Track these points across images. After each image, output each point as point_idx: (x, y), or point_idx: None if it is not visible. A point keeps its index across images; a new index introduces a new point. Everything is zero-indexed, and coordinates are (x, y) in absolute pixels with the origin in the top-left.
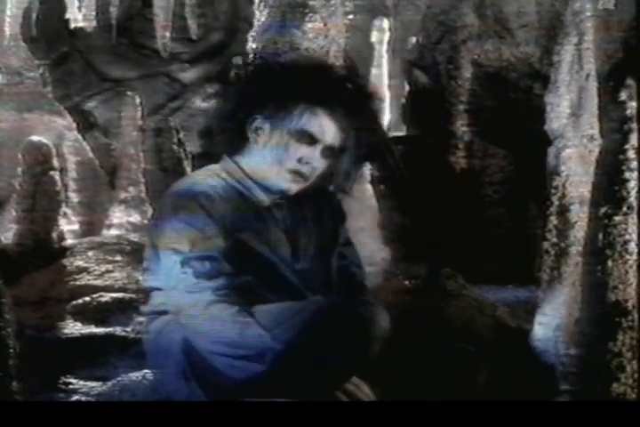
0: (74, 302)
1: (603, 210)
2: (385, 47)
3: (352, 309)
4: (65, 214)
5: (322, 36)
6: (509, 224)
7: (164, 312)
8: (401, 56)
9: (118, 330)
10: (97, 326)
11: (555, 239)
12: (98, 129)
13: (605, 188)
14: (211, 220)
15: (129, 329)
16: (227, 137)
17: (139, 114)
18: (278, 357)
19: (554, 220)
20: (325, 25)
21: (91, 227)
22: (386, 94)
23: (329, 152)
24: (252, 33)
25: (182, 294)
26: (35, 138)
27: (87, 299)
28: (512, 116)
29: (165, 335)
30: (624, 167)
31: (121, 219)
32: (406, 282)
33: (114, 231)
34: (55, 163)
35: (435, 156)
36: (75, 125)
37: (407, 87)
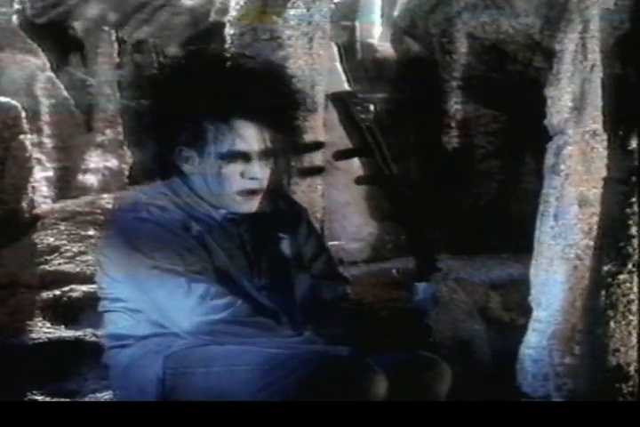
0: (44, 296)
1: (606, 268)
2: None
3: (348, 374)
4: (39, 161)
5: (305, 22)
6: (503, 178)
7: (128, 337)
8: None
9: (89, 334)
10: (67, 326)
11: (552, 241)
12: (74, 60)
13: (610, 244)
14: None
15: (99, 333)
16: (159, 171)
17: (115, 51)
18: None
19: (551, 221)
20: (309, 10)
21: (66, 173)
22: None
23: (265, 156)
24: (229, 17)
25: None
26: (2, 99)
27: (57, 293)
28: (510, 88)
29: (136, 372)
30: (630, 222)
31: (97, 164)
32: (394, 271)
33: (89, 176)
34: (25, 126)
35: (425, 105)
36: (49, 65)
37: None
